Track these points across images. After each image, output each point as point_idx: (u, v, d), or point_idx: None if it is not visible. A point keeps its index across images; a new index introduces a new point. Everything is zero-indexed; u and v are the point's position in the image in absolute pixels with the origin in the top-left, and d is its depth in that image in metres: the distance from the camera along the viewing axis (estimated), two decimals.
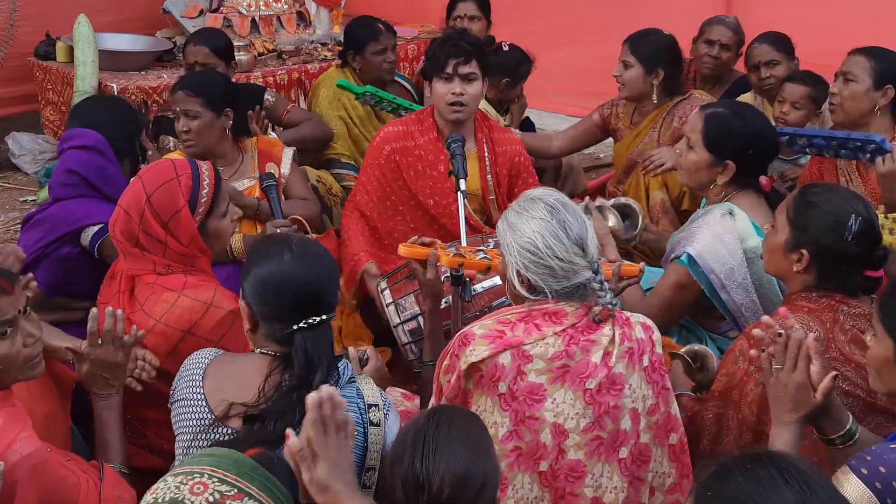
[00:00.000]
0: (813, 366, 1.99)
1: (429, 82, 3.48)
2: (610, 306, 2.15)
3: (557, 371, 2.10)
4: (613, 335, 2.15)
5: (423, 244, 2.71)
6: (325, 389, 1.72)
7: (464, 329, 2.18)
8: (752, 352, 2.09)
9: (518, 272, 2.16)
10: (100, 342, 2.32)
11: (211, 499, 1.43)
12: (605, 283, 2.17)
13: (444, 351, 2.22)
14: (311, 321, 2.06)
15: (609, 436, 2.14)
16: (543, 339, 2.11)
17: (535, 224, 2.14)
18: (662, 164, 3.79)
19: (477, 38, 3.57)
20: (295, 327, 2.07)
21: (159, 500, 1.43)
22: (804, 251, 2.37)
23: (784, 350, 2.00)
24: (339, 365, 2.11)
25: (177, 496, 1.43)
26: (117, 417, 2.36)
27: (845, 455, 2.00)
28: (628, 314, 2.22)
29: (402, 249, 2.69)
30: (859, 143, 3.21)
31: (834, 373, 2.00)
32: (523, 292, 2.17)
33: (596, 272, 2.15)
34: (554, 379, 2.10)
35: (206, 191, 2.58)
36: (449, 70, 3.37)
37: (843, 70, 3.41)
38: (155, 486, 1.48)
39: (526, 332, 2.12)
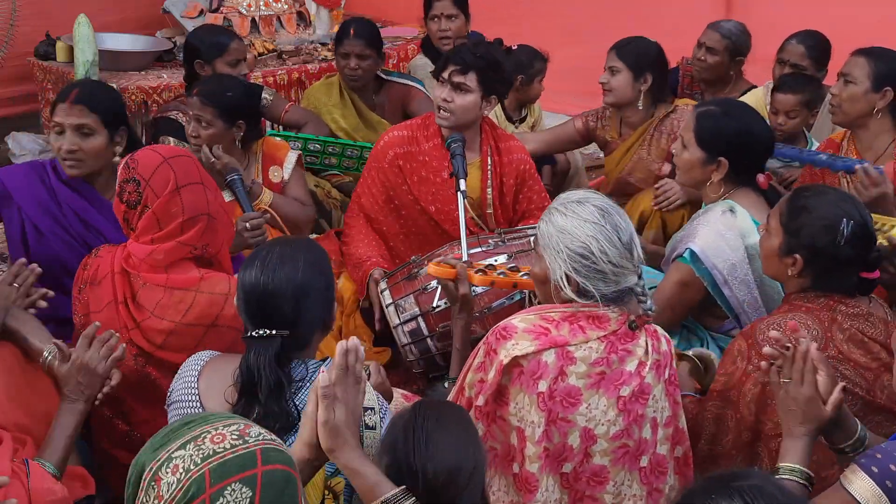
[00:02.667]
0: (820, 377, 1.98)
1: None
2: (650, 312, 2.16)
3: (595, 377, 2.11)
4: (647, 347, 2.16)
5: (447, 263, 2.72)
6: (353, 340, 1.83)
7: (501, 322, 2.17)
8: (763, 364, 2.08)
9: (567, 276, 2.15)
10: (90, 345, 2.35)
11: (236, 436, 1.47)
12: (647, 289, 2.17)
13: (475, 349, 2.22)
14: (259, 332, 2.06)
15: (634, 444, 2.15)
16: (587, 342, 2.12)
17: (588, 228, 2.13)
18: (676, 201, 3.76)
19: (490, 52, 3.44)
20: (246, 335, 2.09)
21: (190, 468, 1.44)
22: (798, 256, 2.38)
23: (791, 363, 1.99)
24: (323, 365, 2.11)
25: (206, 452, 1.45)
26: (75, 424, 2.35)
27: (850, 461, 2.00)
28: (655, 326, 2.23)
29: (432, 269, 2.70)
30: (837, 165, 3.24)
31: (843, 384, 1.99)
32: (571, 295, 2.16)
33: (640, 276, 2.16)
34: (591, 385, 2.11)
35: None
36: (445, 75, 3.36)
37: (843, 71, 3.40)
38: (172, 467, 1.46)
39: (571, 333, 2.12)
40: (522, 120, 4.65)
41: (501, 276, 2.67)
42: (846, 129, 3.49)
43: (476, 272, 2.66)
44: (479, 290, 3.02)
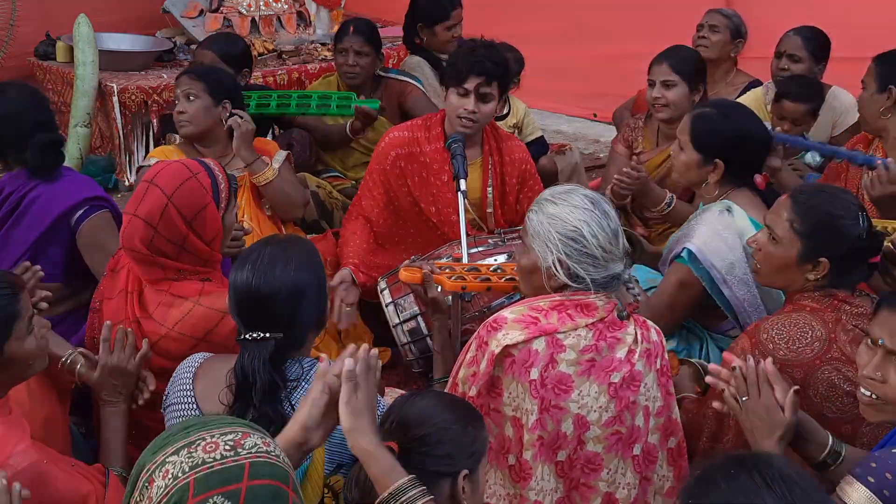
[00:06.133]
0: (776, 391, 2.01)
1: (444, 88, 3.44)
2: (639, 298, 2.19)
3: (585, 364, 2.14)
4: (636, 335, 2.18)
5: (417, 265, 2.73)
6: (374, 351, 1.84)
7: (491, 316, 2.19)
8: (716, 404, 2.14)
9: (560, 261, 2.18)
10: (112, 350, 2.38)
11: (229, 446, 1.45)
12: (635, 277, 2.18)
13: (466, 344, 2.23)
14: (253, 335, 2.05)
15: (627, 431, 2.17)
16: (576, 329, 2.14)
17: (578, 213, 2.18)
18: (625, 193, 3.60)
19: (502, 56, 3.45)
20: (240, 337, 2.08)
21: (178, 475, 1.43)
22: (822, 259, 2.37)
23: (744, 381, 2.04)
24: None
25: (196, 461, 1.43)
26: (123, 424, 2.40)
27: (837, 476, 1.99)
28: (643, 317, 2.26)
29: (403, 275, 2.71)
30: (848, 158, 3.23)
31: (796, 387, 2.02)
32: (565, 279, 2.19)
33: (626, 266, 2.20)
34: (581, 372, 2.13)
35: (223, 185, 2.57)
36: (468, 86, 3.32)
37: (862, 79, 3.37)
38: (164, 471, 1.46)
39: (560, 321, 2.14)
40: (503, 117, 4.59)
41: (477, 280, 2.67)
42: (874, 135, 3.47)
43: (453, 278, 2.65)
44: None
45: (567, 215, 2.18)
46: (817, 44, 4.23)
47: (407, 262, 3.09)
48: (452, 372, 2.26)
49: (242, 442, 1.46)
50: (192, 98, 3.47)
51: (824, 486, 1.96)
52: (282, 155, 3.67)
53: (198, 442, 1.46)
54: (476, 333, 2.19)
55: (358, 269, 3.44)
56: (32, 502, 1.91)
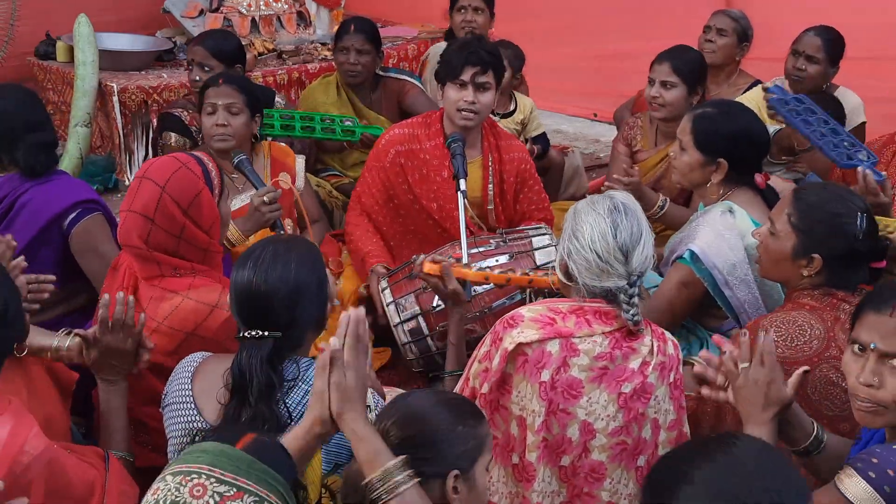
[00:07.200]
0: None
1: (441, 86, 3.46)
2: (632, 323, 2.14)
3: (598, 371, 2.12)
4: (652, 347, 2.17)
5: (435, 260, 2.73)
6: (360, 311, 1.76)
7: (509, 312, 2.19)
8: (704, 390, 2.10)
9: (562, 256, 2.21)
10: (110, 328, 2.32)
11: (211, 502, 1.44)
12: (636, 299, 2.16)
13: (482, 339, 2.23)
14: (251, 333, 2.05)
15: (633, 442, 2.16)
16: (592, 335, 2.13)
17: (591, 217, 2.18)
18: None
19: (495, 46, 3.53)
20: (239, 335, 2.08)
21: (160, 500, 1.44)
22: (816, 256, 2.37)
23: (748, 349, 1.99)
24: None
25: (178, 499, 1.43)
26: (123, 403, 2.38)
27: (817, 465, 1.99)
28: (662, 329, 2.24)
29: (427, 267, 2.70)
30: (847, 147, 3.19)
31: (806, 367, 1.99)
32: (560, 275, 2.22)
33: (632, 285, 2.15)
34: (593, 378, 2.12)
35: (214, 173, 2.57)
36: (464, 77, 3.36)
37: None
38: (155, 486, 1.48)
39: (577, 325, 2.13)
40: (510, 114, 4.60)
41: (498, 273, 2.68)
42: None
43: (475, 269, 2.67)
44: (479, 289, 3.02)
45: (582, 216, 2.19)
46: (835, 46, 4.23)
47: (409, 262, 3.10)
48: (466, 367, 2.26)
49: None
50: (235, 112, 3.40)
51: (806, 477, 1.98)
52: (301, 165, 3.66)
53: (194, 476, 1.46)
54: (492, 329, 2.19)
55: (382, 260, 3.49)
56: (42, 486, 1.90)
